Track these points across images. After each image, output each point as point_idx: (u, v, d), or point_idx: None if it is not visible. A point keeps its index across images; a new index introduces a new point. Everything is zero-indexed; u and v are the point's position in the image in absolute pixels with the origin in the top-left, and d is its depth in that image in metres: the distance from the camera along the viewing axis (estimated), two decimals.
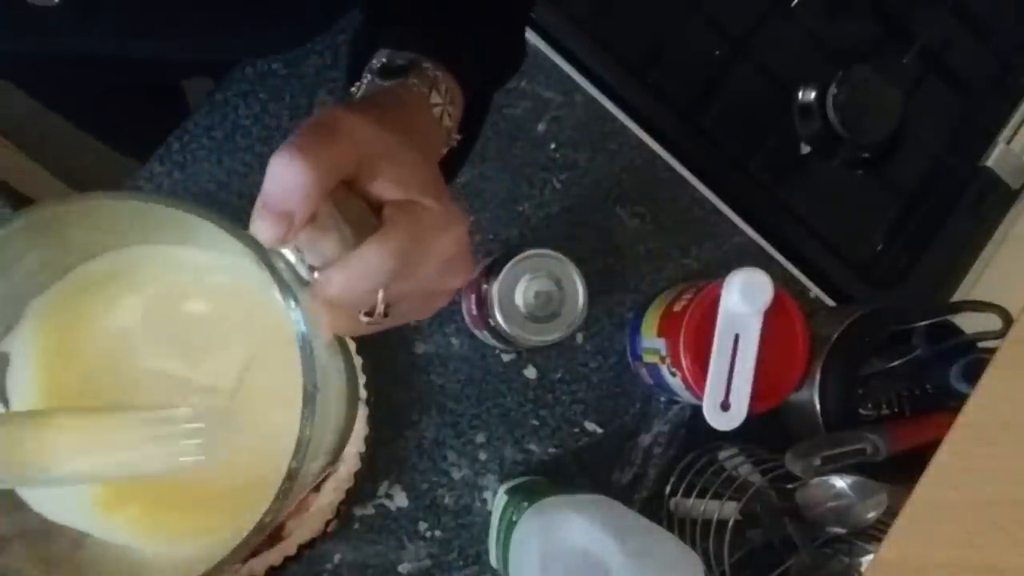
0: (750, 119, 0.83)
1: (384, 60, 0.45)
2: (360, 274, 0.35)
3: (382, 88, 0.44)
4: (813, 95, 0.82)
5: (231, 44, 0.56)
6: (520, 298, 0.64)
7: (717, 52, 0.82)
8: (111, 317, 0.38)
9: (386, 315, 0.38)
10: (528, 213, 0.73)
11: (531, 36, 0.74)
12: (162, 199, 0.32)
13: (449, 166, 0.47)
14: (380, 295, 0.37)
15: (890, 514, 0.66)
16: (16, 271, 0.35)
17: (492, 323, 0.65)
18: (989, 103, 0.88)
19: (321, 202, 0.34)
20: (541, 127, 0.74)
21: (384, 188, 0.37)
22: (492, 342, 0.70)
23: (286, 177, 0.33)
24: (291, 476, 0.31)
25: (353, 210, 0.36)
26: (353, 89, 0.46)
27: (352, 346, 0.57)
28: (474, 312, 0.68)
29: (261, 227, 0.33)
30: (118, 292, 0.38)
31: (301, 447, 0.31)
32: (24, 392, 0.37)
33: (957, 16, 0.88)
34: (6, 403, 0.37)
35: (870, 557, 0.68)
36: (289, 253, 0.34)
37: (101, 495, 0.38)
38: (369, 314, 0.38)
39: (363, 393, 0.65)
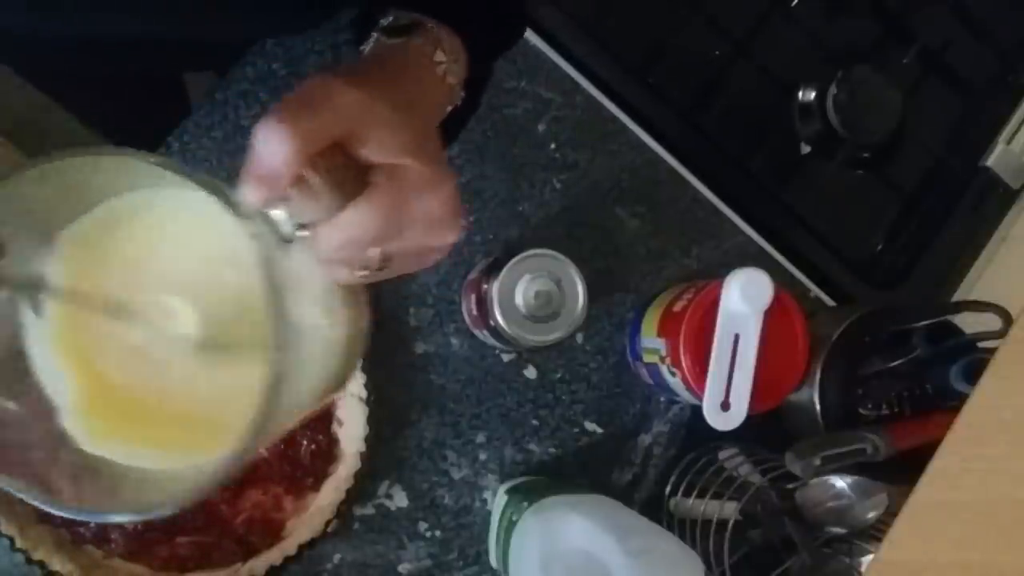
0: (750, 119, 0.83)
1: (391, 19, 0.47)
2: (346, 236, 0.38)
3: (386, 46, 0.46)
4: (813, 95, 0.82)
5: (247, 22, 0.56)
6: (520, 298, 0.64)
7: (717, 52, 0.82)
8: (130, 250, 0.41)
9: (380, 269, 0.40)
10: (528, 213, 0.73)
11: (531, 36, 0.74)
12: (146, 157, 0.35)
13: (451, 126, 0.48)
14: (374, 253, 0.39)
15: (890, 514, 0.66)
16: (41, 205, 0.38)
17: (492, 323, 0.65)
18: (989, 103, 0.88)
19: (304, 167, 0.36)
20: (541, 127, 0.74)
21: (371, 152, 0.38)
22: (492, 342, 0.70)
23: (270, 144, 0.35)
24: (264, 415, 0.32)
25: (342, 173, 0.37)
26: (362, 48, 0.47)
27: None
28: (474, 312, 0.68)
29: (246, 190, 0.36)
30: (137, 227, 0.41)
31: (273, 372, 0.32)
32: (53, 311, 0.40)
33: (957, 16, 0.88)
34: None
35: (870, 557, 0.68)
36: (277, 213, 0.36)
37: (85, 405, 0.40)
38: (365, 268, 0.40)
39: (363, 393, 0.65)
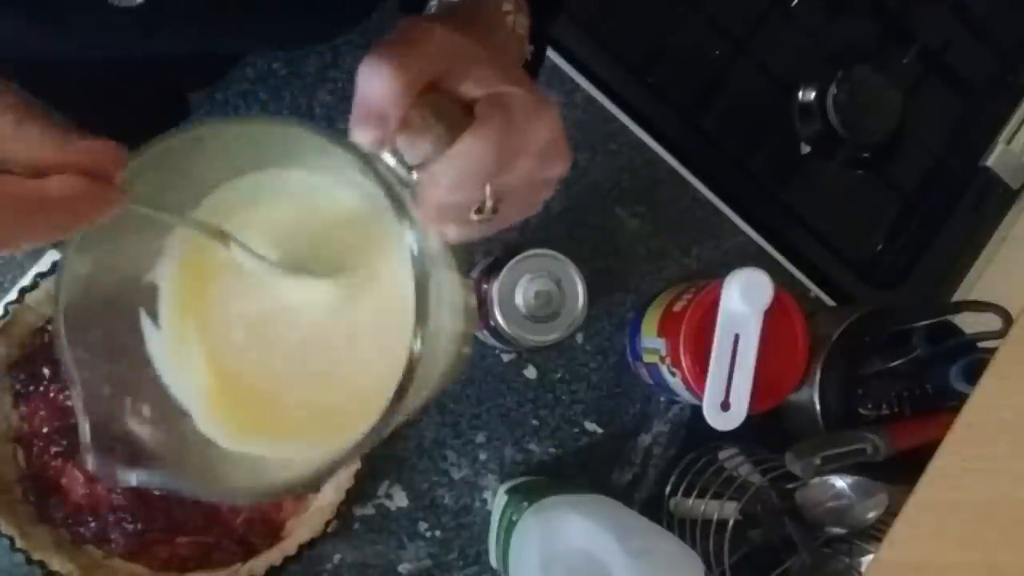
0: (750, 119, 0.83)
1: None
2: (462, 167, 0.37)
3: (454, 4, 0.46)
4: (813, 95, 0.82)
5: (298, 30, 0.56)
6: (520, 298, 0.64)
7: (717, 52, 0.82)
8: (264, 228, 0.40)
9: (495, 211, 0.39)
10: None
11: None
12: (264, 118, 0.35)
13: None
14: (488, 190, 0.38)
15: (890, 514, 0.66)
16: (144, 208, 0.38)
17: (492, 323, 0.64)
18: (989, 103, 0.88)
19: (410, 104, 0.35)
20: None
21: (471, 87, 0.38)
22: (492, 342, 0.70)
23: (373, 82, 0.35)
24: (401, 393, 0.32)
25: (445, 110, 0.37)
26: None
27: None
28: None
29: (358, 132, 0.35)
30: (240, 220, 0.40)
31: (413, 360, 0.32)
32: (170, 319, 0.40)
33: (957, 16, 0.88)
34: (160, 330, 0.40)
35: (870, 557, 0.68)
36: (388, 158, 0.36)
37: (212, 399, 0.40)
38: (479, 211, 0.39)
39: None
